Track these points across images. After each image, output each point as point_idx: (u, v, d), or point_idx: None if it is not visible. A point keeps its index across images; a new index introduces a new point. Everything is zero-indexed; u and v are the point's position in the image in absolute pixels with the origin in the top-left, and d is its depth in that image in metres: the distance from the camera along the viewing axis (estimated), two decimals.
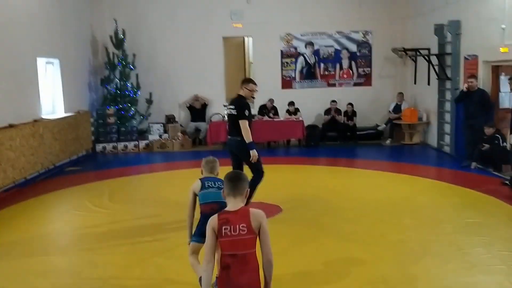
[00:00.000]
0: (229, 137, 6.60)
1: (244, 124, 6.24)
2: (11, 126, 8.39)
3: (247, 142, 6.22)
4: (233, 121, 6.41)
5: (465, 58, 10.24)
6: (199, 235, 4.19)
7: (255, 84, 6.57)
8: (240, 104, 6.38)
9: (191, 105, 13.48)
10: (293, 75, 13.84)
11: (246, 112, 6.30)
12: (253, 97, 6.69)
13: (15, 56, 8.95)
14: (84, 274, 4.91)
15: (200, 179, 4.43)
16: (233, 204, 3.13)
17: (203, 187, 4.34)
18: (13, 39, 8.91)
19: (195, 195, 4.39)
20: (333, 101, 13.15)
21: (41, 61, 10.18)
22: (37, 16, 9.90)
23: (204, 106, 13.53)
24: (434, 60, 11.46)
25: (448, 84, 11.10)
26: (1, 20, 8.49)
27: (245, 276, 3.03)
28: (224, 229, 3.03)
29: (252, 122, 6.48)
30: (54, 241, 6.07)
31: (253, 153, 6.22)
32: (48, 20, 10.42)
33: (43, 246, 5.75)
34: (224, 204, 3.24)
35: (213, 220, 3.09)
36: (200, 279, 3.76)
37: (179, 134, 12.90)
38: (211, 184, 4.35)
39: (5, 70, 8.61)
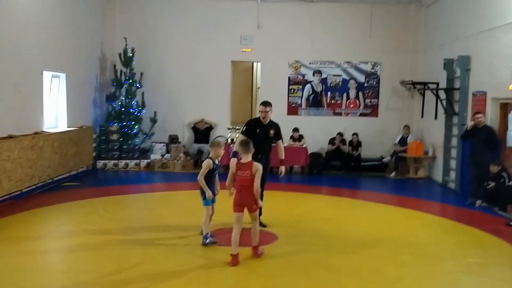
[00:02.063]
0: None
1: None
2: (10, 137, 8.32)
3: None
4: None
5: (473, 94, 10.12)
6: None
7: (261, 105, 7.04)
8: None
9: (195, 126, 13.41)
10: (299, 102, 13.78)
11: (243, 128, 7.09)
12: (263, 118, 7.02)
13: (21, 67, 8.95)
14: None
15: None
16: (245, 158, 5.72)
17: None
18: (21, 51, 8.93)
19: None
20: (340, 133, 13.04)
21: (47, 74, 10.18)
22: (48, 29, 9.94)
23: (209, 128, 13.45)
24: (442, 94, 11.35)
25: (455, 119, 10.96)
26: (11, 31, 8.52)
27: (247, 195, 5.64)
28: (238, 171, 5.69)
29: (250, 136, 6.64)
30: (37, 257, 5.88)
31: (231, 161, 6.39)
32: (59, 34, 10.46)
33: (26, 262, 5.57)
34: None
35: (232, 165, 5.89)
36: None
37: (182, 155, 12.80)
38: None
39: (10, 81, 8.60)
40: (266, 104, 7.00)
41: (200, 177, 6.22)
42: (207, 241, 6.17)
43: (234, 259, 5.53)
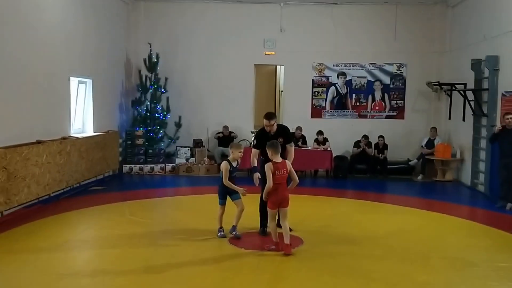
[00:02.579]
0: None
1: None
2: (39, 142, 8.47)
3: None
4: None
5: (503, 95, 9.88)
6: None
7: (265, 119, 6.89)
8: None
9: (218, 135, 13.43)
10: (323, 105, 13.69)
11: (254, 142, 7.26)
12: (268, 131, 6.88)
13: (49, 74, 9.11)
14: None
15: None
16: (277, 158, 6.14)
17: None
18: (49, 58, 9.09)
19: None
20: (365, 136, 12.86)
21: (74, 80, 10.34)
22: (74, 36, 10.10)
23: (232, 133, 13.47)
24: (470, 95, 11.12)
25: (484, 121, 10.72)
26: (38, 38, 8.69)
27: (284, 192, 6.14)
28: (276, 171, 6.04)
29: (262, 147, 6.68)
30: (66, 261, 5.95)
31: (254, 175, 6.65)
32: (85, 41, 10.63)
33: (56, 265, 5.64)
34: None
35: (269, 165, 6.06)
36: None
37: (206, 159, 12.85)
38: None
39: (40, 88, 8.76)
40: (269, 117, 6.84)
41: (225, 181, 6.54)
42: (219, 234, 6.68)
43: (287, 247, 6.02)
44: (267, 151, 6.27)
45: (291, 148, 6.98)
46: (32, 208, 8.26)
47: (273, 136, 6.80)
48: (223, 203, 6.75)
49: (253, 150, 6.99)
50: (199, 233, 6.94)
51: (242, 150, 6.75)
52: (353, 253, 6.20)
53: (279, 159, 6.17)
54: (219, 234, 6.71)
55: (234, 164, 6.66)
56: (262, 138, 6.83)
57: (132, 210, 8.43)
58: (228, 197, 6.73)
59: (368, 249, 6.39)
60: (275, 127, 6.87)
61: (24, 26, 8.25)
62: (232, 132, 13.38)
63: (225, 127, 13.27)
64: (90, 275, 5.36)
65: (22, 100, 8.20)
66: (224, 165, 6.59)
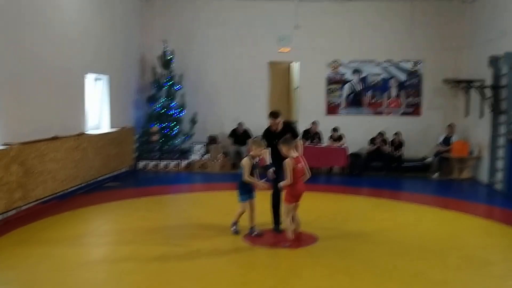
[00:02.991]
0: None
1: None
2: (55, 138, 8.54)
3: None
4: None
5: None
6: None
7: (270, 118, 6.97)
8: None
9: (234, 129, 13.41)
10: (338, 102, 13.60)
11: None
12: (274, 130, 6.97)
13: (65, 71, 9.20)
14: None
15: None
16: (293, 153, 6.24)
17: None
18: (65, 55, 9.18)
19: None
20: (381, 133, 12.75)
21: (90, 77, 10.41)
22: (89, 34, 10.18)
23: (247, 131, 13.41)
24: (488, 92, 10.96)
25: (502, 118, 10.56)
26: (55, 36, 8.77)
27: (303, 186, 6.32)
28: (298, 164, 6.18)
29: (270, 145, 6.84)
30: (82, 256, 6.00)
31: (268, 171, 6.85)
32: (100, 38, 10.70)
33: (72, 260, 5.69)
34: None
35: (289, 161, 6.13)
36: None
37: (220, 155, 12.85)
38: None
39: (56, 84, 8.84)
40: (275, 116, 6.93)
41: (246, 177, 6.48)
42: (232, 228, 6.71)
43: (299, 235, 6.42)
44: (282, 148, 6.29)
45: (299, 142, 6.97)
46: (49, 203, 8.34)
47: (279, 134, 6.80)
48: (243, 199, 6.62)
49: (268, 148, 7.00)
50: (214, 229, 6.95)
51: (264, 147, 6.64)
52: (368, 251, 6.15)
53: (295, 154, 6.24)
54: (233, 229, 6.71)
55: (255, 161, 6.62)
56: (269, 137, 6.90)
57: (147, 206, 8.48)
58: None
59: (383, 247, 6.34)
60: (280, 125, 6.95)
61: (41, 23, 8.33)
62: (246, 130, 13.32)
63: (240, 124, 13.24)
64: (106, 269, 5.40)
65: (39, 97, 8.29)
66: (245, 161, 6.55)
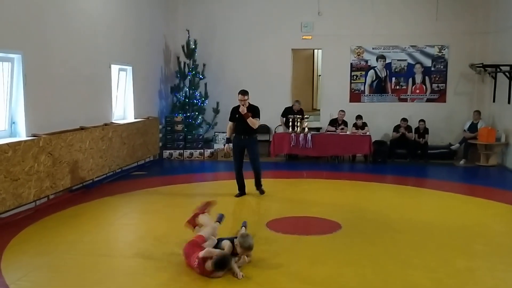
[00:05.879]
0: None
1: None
2: (82, 128, 8.73)
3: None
4: None
5: None
6: None
7: (240, 94, 8.28)
8: None
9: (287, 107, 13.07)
10: (362, 89, 13.49)
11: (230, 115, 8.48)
12: (242, 105, 8.21)
13: (91, 62, 9.34)
14: (137, 279, 4.92)
15: None
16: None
17: None
18: (90, 46, 9.31)
19: None
20: (404, 119, 12.61)
21: (115, 68, 10.55)
22: (114, 25, 10.30)
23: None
24: None
25: None
26: (80, 27, 8.91)
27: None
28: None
29: (234, 120, 8.38)
30: (110, 243, 6.16)
31: (226, 145, 8.98)
32: (124, 29, 10.81)
33: (100, 247, 5.84)
34: None
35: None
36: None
37: None
38: None
39: (82, 75, 9.00)
40: (244, 93, 8.19)
41: None
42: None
43: None
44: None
45: (255, 120, 8.20)
46: (77, 192, 8.54)
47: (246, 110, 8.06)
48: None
49: (229, 122, 8.45)
50: (238, 215, 7.03)
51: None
52: (392, 238, 6.14)
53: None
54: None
55: None
56: (235, 112, 8.27)
57: (172, 194, 8.60)
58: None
59: (408, 235, 6.32)
60: (247, 103, 8.15)
61: (65, 15, 8.47)
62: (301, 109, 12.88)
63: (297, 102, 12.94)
64: (133, 257, 5.51)
65: (65, 88, 8.46)
66: None
